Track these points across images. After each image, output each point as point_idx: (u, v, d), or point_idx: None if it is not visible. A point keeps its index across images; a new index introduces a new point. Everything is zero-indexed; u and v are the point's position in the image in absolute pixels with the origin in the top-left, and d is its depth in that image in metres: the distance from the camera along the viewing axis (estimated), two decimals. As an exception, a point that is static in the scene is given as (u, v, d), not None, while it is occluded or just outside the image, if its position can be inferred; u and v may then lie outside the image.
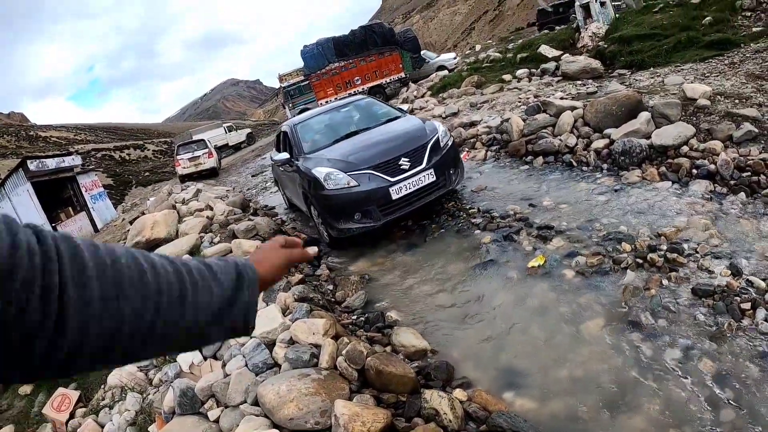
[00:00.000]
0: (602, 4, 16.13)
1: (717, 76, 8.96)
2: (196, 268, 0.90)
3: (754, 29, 11.17)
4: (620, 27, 14.26)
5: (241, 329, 0.97)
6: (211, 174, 22.09)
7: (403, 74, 29.01)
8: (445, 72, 24.31)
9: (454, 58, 30.41)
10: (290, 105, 29.29)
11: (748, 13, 12.34)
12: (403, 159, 6.29)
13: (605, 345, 3.75)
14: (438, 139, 6.69)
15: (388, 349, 4.32)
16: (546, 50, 15.40)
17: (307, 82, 29.06)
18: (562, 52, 14.88)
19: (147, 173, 46.30)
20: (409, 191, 6.23)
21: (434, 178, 6.37)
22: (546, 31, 24.82)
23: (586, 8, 16.12)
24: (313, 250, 1.26)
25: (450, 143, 6.95)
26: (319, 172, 6.38)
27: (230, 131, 38.10)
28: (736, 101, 7.36)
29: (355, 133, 7.43)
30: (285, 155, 7.55)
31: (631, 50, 12.08)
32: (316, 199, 6.52)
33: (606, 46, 13.17)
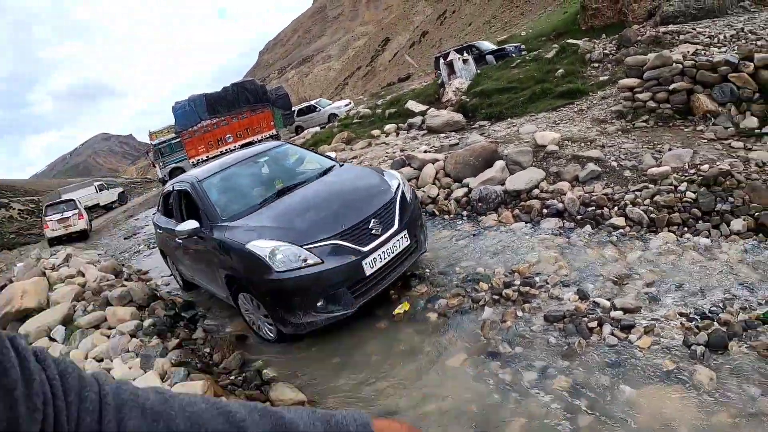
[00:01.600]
0: (465, 61, 17.59)
1: (567, 122, 10.17)
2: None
3: (601, 78, 12.78)
4: (481, 82, 15.74)
5: None
6: (81, 237, 21.84)
7: (274, 131, 30.34)
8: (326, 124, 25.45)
9: (347, 105, 31.77)
10: (161, 163, 29.51)
11: (596, 65, 14.12)
12: (373, 221, 5.23)
13: (469, 377, 4.19)
14: (404, 191, 5.86)
15: (267, 404, 4.48)
16: (413, 105, 16.52)
17: (178, 139, 29.39)
18: (428, 107, 16.03)
19: (12, 235, 43.11)
20: (383, 262, 5.21)
21: (408, 241, 5.50)
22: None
23: (449, 65, 17.52)
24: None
25: (414, 195, 6.23)
26: (259, 247, 5.01)
27: (101, 190, 37.18)
28: (582, 144, 8.40)
29: (288, 190, 6.19)
30: (193, 224, 5.78)
31: (490, 103, 13.38)
32: (258, 286, 5.12)
33: (468, 99, 14.41)
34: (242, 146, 28.25)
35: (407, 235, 5.48)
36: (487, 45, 27.71)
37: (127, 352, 5.63)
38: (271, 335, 5.62)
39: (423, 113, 15.38)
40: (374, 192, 5.67)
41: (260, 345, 5.86)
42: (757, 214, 5.67)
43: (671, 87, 8.63)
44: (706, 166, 6.55)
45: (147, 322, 6.36)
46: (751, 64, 7.93)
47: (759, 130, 7.32)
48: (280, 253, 4.92)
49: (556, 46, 17.62)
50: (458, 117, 13.10)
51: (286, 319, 5.11)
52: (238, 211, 5.90)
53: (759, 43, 11.14)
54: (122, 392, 0.79)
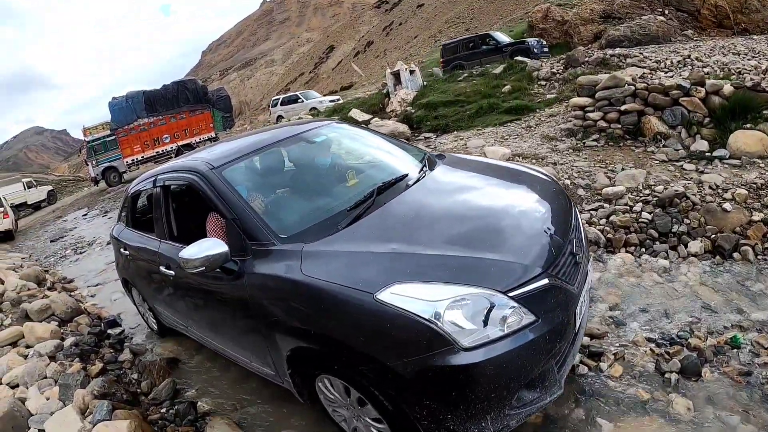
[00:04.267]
0: (411, 72, 17.57)
1: (515, 138, 10.18)
2: None
3: (548, 96, 12.93)
4: (427, 93, 15.70)
5: None
6: (5, 237, 20.39)
7: (213, 134, 29.76)
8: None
9: (332, 101, 30.55)
10: (93, 161, 28.19)
11: (544, 82, 14.31)
12: (575, 241, 3.42)
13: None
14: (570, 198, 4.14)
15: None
16: (357, 114, 16.30)
17: (113, 137, 28.23)
18: (372, 116, 15.84)
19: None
20: (585, 306, 3.46)
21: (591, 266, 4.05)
22: (458, 71, 20.95)
23: (396, 75, 17.44)
24: None
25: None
26: (418, 299, 2.64)
27: (30, 187, 35.12)
28: (534, 161, 8.35)
29: (386, 189, 3.75)
30: (218, 248, 3.31)
31: (436, 115, 13.33)
32: (400, 375, 2.64)
33: (413, 111, 14.31)
34: (180, 148, 27.79)
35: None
36: (504, 37, 25.78)
37: (45, 378, 5.00)
38: None
39: (367, 122, 15.19)
40: (551, 198, 3.74)
41: (193, 370, 5.30)
42: (713, 236, 5.70)
43: (623, 108, 8.71)
44: (660, 188, 6.60)
45: (68, 342, 5.82)
46: (703, 89, 8.14)
47: (710, 154, 7.43)
48: (466, 311, 2.62)
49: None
50: (403, 128, 12.95)
51: (469, 428, 2.69)
52: (307, 226, 3.42)
53: (705, 70, 11.52)
54: None
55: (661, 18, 21.80)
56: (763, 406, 3.33)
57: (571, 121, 9.69)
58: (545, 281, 2.83)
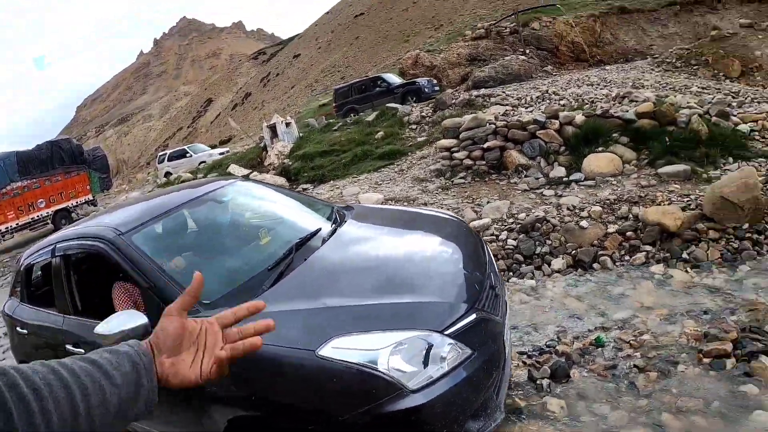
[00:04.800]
0: (287, 124, 17.77)
1: (389, 183, 10.54)
2: (85, 372, 0.91)
3: (419, 139, 13.45)
4: (303, 145, 15.90)
5: (144, 416, 0.99)
6: None
7: (90, 196, 27.78)
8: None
9: (221, 153, 29.87)
10: None
11: (414, 126, 14.87)
12: (492, 275, 3.66)
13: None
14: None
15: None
16: (235, 169, 16.27)
17: None
18: (250, 171, 15.86)
19: None
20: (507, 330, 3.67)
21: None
22: (350, 117, 21.18)
23: (272, 128, 17.58)
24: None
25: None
26: (357, 351, 2.68)
27: None
28: (405, 203, 8.70)
29: (309, 249, 3.72)
30: (136, 320, 3.02)
31: (313, 166, 13.55)
32: (350, 426, 2.60)
33: (291, 163, 14.46)
34: (56, 213, 25.97)
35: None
36: (395, 79, 25.95)
37: None
38: None
39: (246, 177, 15.18)
40: (455, 233, 4.02)
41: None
42: (574, 252, 6.23)
43: (486, 145, 9.30)
44: (523, 215, 7.09)
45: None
46: (557, 121, 8.91)
47: (567, 178, 8.05)
48: (406, 354, 2.70)
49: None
50: (281, 180, 13.07)
51: None
52: (230, 289, 3.33)
53: (562, 102, 12.53)
54: None
55: (523, 57, 23.42)
56: (629, 393, 3.68)
57: (439, 162, 10.18)
58: (474, 316, 2.97)
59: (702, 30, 25.41)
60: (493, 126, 9.40)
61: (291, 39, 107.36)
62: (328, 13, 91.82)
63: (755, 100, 11.51)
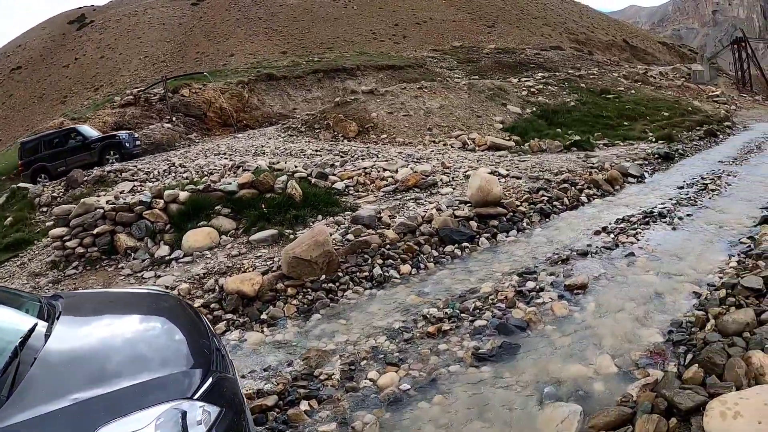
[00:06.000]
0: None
1: (15, 281, 9.80)
2: None
3: (48, 224, 12.67)
4: None
5: None
6: None
7: None
8: None
9: None
10: None
11: (45, 209, 14.05)
12: (214, 339, 4.04)
13: None
14: None
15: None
16: None
17: None
18: None
19: None
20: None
21: None
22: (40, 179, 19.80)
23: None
24: None
25: None
26: None
27: None
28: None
29: (33, 349, 3.39)
30: None
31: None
32: None
33: None
34: None
35: None
36: (92, 132, 23.09)
37: None
38: None
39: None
40: (172, 306, 4.34)
41: None
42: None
43: (95, 231, 9.38)
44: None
45: None
46: (162, 200, 9.37)
47: (170, 257, 8.53)
48: (166, 426, 2.80)
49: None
50: None
51: None
52: None
53: (185, 175, 13.07)
54: None
55: (168, 125, 23.78)
56: None
57: (53, 253, 9.92)
58: (212, 378, 3.20)
59: (341, 94, 28.67)
60: (102, 210, 9.51)
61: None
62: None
63: (360, 158, 13.35)
